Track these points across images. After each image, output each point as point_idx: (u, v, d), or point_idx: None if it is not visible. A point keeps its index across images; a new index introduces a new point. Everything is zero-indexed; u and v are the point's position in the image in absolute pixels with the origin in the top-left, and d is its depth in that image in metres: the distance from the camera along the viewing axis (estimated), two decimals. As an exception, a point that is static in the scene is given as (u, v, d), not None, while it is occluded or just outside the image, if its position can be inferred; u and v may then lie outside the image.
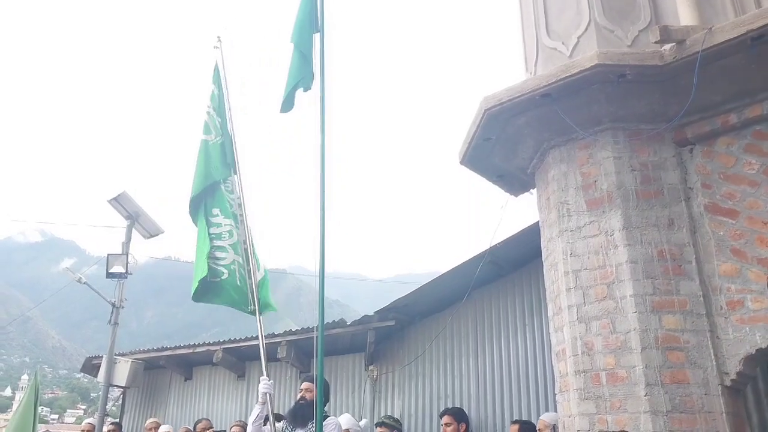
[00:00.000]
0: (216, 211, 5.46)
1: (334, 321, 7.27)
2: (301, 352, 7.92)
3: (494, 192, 4.69)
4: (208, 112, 5.84)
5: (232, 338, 8.79)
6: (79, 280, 10.39)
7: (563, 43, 4.02)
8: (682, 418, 3.18)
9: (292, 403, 5.44)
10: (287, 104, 5.03)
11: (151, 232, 10.23)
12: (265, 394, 4.87)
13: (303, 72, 4.90)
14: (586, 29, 3.91)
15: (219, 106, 5.92)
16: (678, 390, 3.23)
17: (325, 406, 4.89)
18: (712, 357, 3.26)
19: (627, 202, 3.58)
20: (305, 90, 4.95)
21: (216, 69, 6.05)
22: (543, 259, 4.16)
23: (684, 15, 3.62)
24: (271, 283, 5.66)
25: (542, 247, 4.18)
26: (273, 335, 7.89)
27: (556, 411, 4.29)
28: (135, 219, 10.03)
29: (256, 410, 4.95)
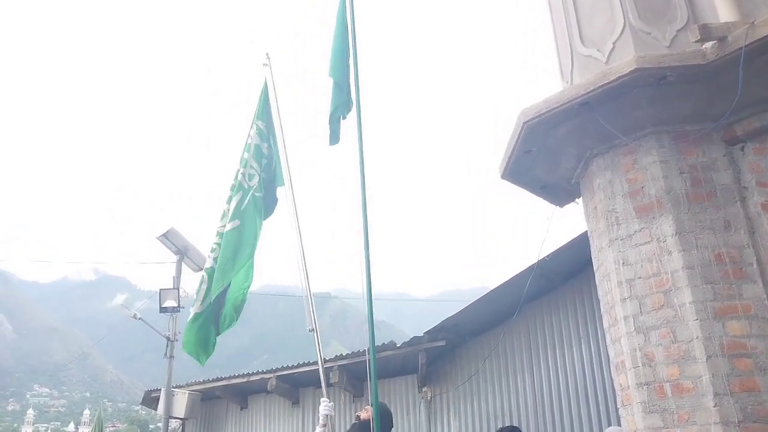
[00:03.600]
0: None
1: (384, 343, 7.25)
2: (352, 376, 7.91)
3: (539, 203, 4.62)
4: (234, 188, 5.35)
5: (284, 365, 8.84)
6: (134, 316, 10.66)
7: (598, 50, 3.96)
8: (756, 428, 3.04)
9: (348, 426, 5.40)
10: (334, 137, 5.07)
11: (200, 265, 10.41)
12: (326, 416, 4.80)
13: (340, 100, 4.98)
14: (622, 33, 3.84)
15: (261, 147, 5.54)
16: (749, 398, 3.09)
17: None
18: (783, 362, 3.11)
19: (678, 206, 3.48)
20: (344, 117, 5.01)
21: (264, 90, 5.73)
22: (595, 270, 4.07)
23: (723, 11, 3.53)
24: (316, 305, 5.38)
25: (593, 257, 4.09)
26: (324, 360, 7.89)
27: (619, 425, 4.16)
28: (184, 253, 10.26)
29: None
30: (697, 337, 3.23)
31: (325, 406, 4.80)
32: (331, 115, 5.02)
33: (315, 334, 5.05)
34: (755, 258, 3.32)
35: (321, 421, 4.84)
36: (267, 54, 5.94)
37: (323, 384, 4.95)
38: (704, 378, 3.16)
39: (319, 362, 5.11)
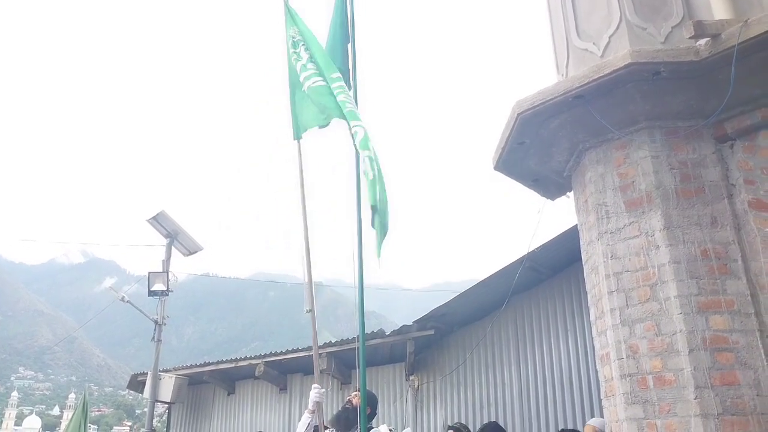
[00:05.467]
0: None
1: (373, 332, 7.29)
2: (341, 364, 7.96)
3: (530, 196, 4.64)
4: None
5: (272, 351, 8.87)
6: (123, 299, 10.65)
7: (594, 44, 3.99)
8: (734, 421, 3.09)
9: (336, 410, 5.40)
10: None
11: (190, 249, 10.44)
12: (316, 403, 4.70)
13: None
14: (617, 28, 3.87)
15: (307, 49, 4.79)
16: (729, 392, 3.14)
17: (372, 419, 4.84)
18: (763, 357, 3.17)
19: (667, 201, 3.52)
20: None
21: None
22: (583, 263, 4.11)
23: (718, 9, 3.56)
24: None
25: (582, 250, 4.13)
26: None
27: (603, 417, 4.22)
28: (174, 237, 10.26)
29: (305, 419, 4.78)
30: (680, 331, 3.28)
31: (317, 392, 4.65)
32: None
33: (312, 314, 4.75)
34: (740, 254, 3.36)
35: (310, 407, 4.70)
36: None
37: (316, 368, 4.74)
38: (686, 371, 3.22)
39: (314, 345, 4.86)
